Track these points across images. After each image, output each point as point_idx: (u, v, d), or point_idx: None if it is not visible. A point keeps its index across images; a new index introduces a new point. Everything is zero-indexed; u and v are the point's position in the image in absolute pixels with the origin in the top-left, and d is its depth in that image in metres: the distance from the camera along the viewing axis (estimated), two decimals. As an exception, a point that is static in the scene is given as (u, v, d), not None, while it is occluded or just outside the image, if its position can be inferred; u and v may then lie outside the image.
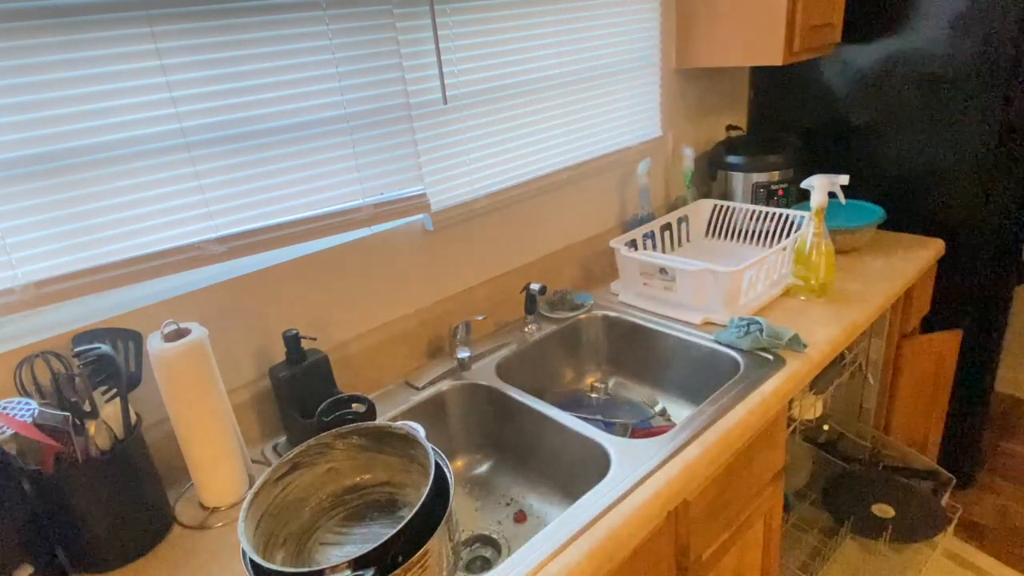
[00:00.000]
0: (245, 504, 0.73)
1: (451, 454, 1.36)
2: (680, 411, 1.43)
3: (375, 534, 0.81)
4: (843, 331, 1.32)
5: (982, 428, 2.05)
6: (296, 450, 0.82)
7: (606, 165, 1.69)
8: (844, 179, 1.40)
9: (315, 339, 1.19)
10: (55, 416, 0.84)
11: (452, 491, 0.76)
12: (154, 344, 0.93)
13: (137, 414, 0.94)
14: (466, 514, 1.21)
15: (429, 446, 0.79)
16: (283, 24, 1.06)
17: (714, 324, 1.40)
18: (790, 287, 1.49)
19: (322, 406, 0.98)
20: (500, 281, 1.51)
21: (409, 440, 0.81)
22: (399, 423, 0.85)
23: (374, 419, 0.96)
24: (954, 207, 1.74)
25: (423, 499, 0.69)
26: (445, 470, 0.79)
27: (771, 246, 1.63)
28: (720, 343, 1.32)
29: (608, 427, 1.31)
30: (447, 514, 0.72)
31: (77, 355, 0.88)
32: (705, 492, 1.07)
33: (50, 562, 0.88)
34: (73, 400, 0.85)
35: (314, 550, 0.81)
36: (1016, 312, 2.19)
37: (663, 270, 1.45)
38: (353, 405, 1.00)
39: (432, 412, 1.30)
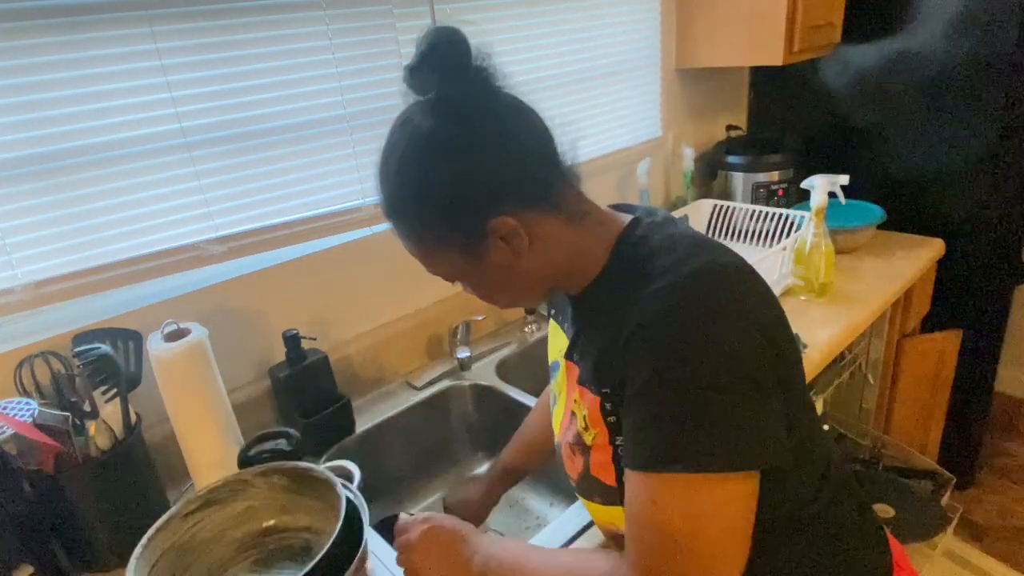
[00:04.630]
0: (143, 540, 0.68)
1: (451, 454, 1.36)
2: (680, 411, 1.42)
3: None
4: (843, 331, 1.32)
5: (982, 428, 2.04)
6: (211, 485, 0.77)
7: (606, 165, 1.69)
8: (844, 179, 1.40)
9: (315, 339, 1.19)
10: (55, 416, 0.83)
11: (364, 542, 0.69)
12: (154, 344, 0.93)
13: (137, 414, 0.93)
14: (466, 514, 1.21)
15: (343, 493, 0.72)
16: (283, 24, 1.06)
17: (714, 324, 1.39)
18: (790, 287, 1.49)
19: (247, 441, 0.93)
20: (500, 281, 1.51)
21: (329, 485, 0.74)
22: (332, 463, 0.81)
23: (299, 457, 0.86)
24: (954, 207, 1.74)
25: (324, 551, 0.63)
26: (363, 517, 0.73)
27: (771, 246, 1.63)
28: (720, 343, 1.32)
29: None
30: (352, 567, 0.67)
31: (77, 355, 0.88)
32: (705, 492, 1.07)
33: (50, 562, 0.88)
34: (73, 400, 0.85)
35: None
36: (1016, 312, 2.19)
37: (663, 270, 1.45)
38: (281, 442, 0.91)
39: (432, 412, 1.30)
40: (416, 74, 0.58)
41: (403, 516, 0.80)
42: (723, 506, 0.53)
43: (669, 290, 0.55)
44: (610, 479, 0.63)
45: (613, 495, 0.64)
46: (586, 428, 0.65)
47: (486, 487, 1.03)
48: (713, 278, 0.56)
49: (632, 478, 0.57)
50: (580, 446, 0.66)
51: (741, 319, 0.55)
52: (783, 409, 0.57)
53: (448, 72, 0.57)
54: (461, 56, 0.57)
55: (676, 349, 0.53)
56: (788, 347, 0.60)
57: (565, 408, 0.72)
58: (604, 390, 0.61)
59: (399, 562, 0.77)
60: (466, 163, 0.57)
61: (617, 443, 0.62)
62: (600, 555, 0.64)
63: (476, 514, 1.02)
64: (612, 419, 0.61)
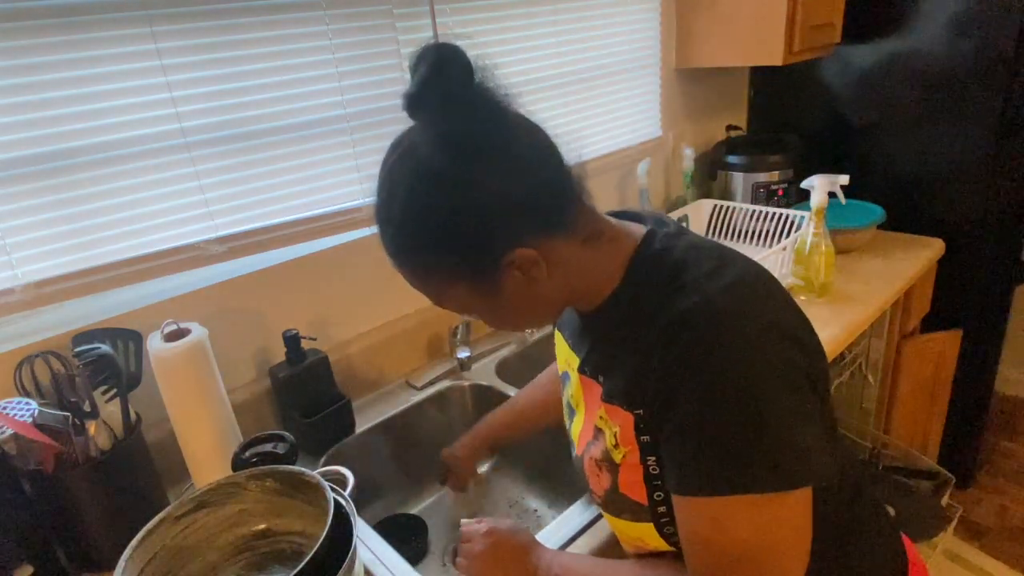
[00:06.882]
0: (134, 542, 0.68)
1: (451, 454, 1.36)
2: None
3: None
4: (843, 331, 1.32)
5: (982, 428, 2.04)
6: (204, 487, 0.77)
7: (606, 165, 1.69)
8: (844, 179, 1.40)
9: (315, 339, 1.19)
10: (55, 416, 0.83)
11: (353, 547, 0.68)
12: (154, 344, 0.93)
13: (137, 414, 0.94)
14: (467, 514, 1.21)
15: (331, 498, 0.71)
16: (283, 24, 1.06)
17: (714, 324, 1.39)
18: (790, 287, 1.49)
19: (240, 444, 0.92)
20: (500, 281, 1.51)
21: (319, 489, 0.73)
22: (327, 468, 0.81)
23: (293, 461, 0.87)
24: (954, 207, 1.74)
25: (310, 555, 0.62)
26: (352, 522, 0.73)
27: (771, 246, 1.63)
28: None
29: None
30: (341, 571, 0.66)
31: (77, 355, 0.88)
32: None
33: (50, 562, 0.88)
34: (73, 400, 0.85)
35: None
36: (1016, 312, 2.19)
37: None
38: (275, 445, 0.92)
39: (432, 412, 1.30)
40: (417, 101, 0.54)
41: (465, 523, 0.81)
42: (787, 519, 0.54)
43: (705, 309, 0.54)
44: (641, 497, 0.62)
45: (644, 513, 0.62)
46: (616, 446, 0.63)
47: (473, 442, 1.07)
48: (746, 291, 0.56)
49: (689, 502, 0.56)
50: (607, 463, 0.65)
51: (777, 331, 0.54)
52: (819, 412, 0.57)
53: (451, 96, 0.52)
54: (464, 77, 0.53)
55: (725, 371, 0.52)
56: (815, 348, 0.60)
57: (586, 422, 0.70)
58: (638, 411, 0.59)
59: (460, 569, 0.77)
60: (481, 197, 0.54)
61: (649, 463, 0.60)
62: (667, 568, 0.64)
63: (464, 467, 1.07)
64: (646, 439, 0.59)
